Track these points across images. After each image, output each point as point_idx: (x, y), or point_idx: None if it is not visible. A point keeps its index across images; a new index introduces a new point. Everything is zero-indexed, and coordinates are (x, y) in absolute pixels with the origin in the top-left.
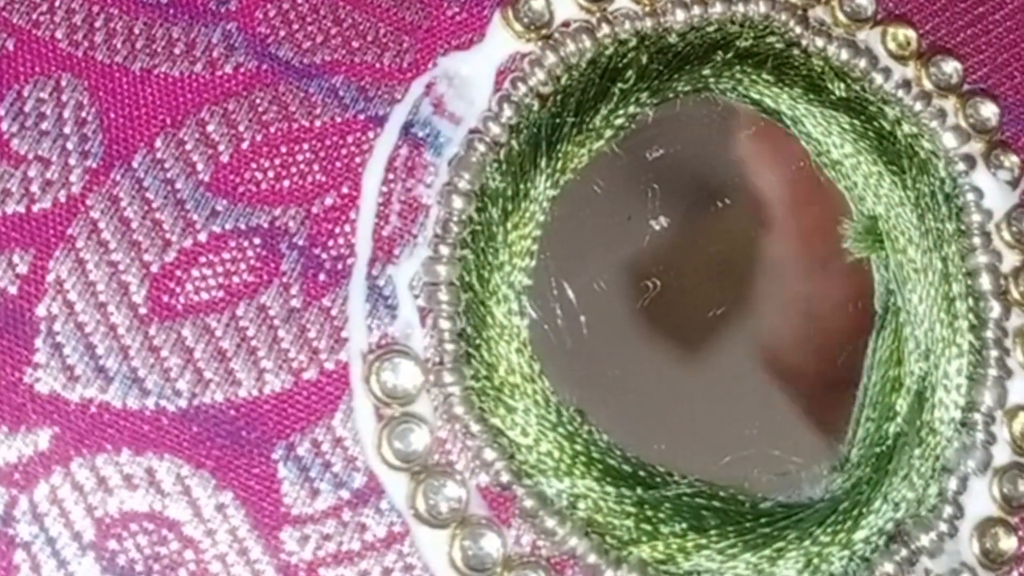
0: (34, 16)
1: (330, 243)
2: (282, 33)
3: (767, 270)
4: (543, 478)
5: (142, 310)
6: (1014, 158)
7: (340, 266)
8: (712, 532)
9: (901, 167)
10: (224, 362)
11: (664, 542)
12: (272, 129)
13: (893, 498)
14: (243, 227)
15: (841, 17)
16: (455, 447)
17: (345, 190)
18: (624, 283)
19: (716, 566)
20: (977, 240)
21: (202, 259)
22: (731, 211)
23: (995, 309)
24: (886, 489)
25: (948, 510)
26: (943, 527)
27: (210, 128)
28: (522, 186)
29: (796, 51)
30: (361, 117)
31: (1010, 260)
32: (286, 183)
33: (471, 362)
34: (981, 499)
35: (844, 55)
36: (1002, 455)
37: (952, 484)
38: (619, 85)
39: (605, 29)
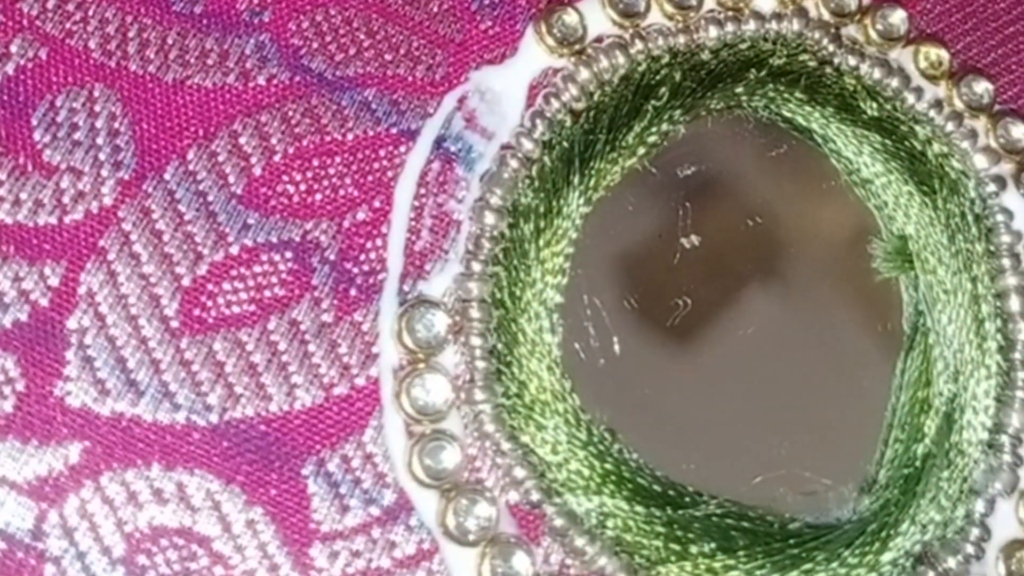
0: (67, 26)
1: (361, 258)
2: (315, 45)
3: (798, 289)
4: (572, 496)
5: (173, 323)
6: None
7: (371, 281)
8: (741, 553)
9: (932, 187)
10: (255, 377)
11: (693, 562)
12: (304, 142)
13: (921, 520)
14: (275, 240)
15: (874, 36)
16: (485, 465)
17: (377, 204)
18: (655, 301)
19: None
20: (1006, 261)
21: (234, 272)
22: (762, 229)
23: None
24: (914, 511)
25: (975, 532)
26: (970, 549)
27: (242, 140)
28: (554, 203)
29: (829, 69)
30: (393, 131)
31: None
32: (318, 196)
33: (502, 379)
34: (1007, 521)
35: (877, 74)
36: None
37: (979, 506)
38: (652, 102)
39: (638, 45)
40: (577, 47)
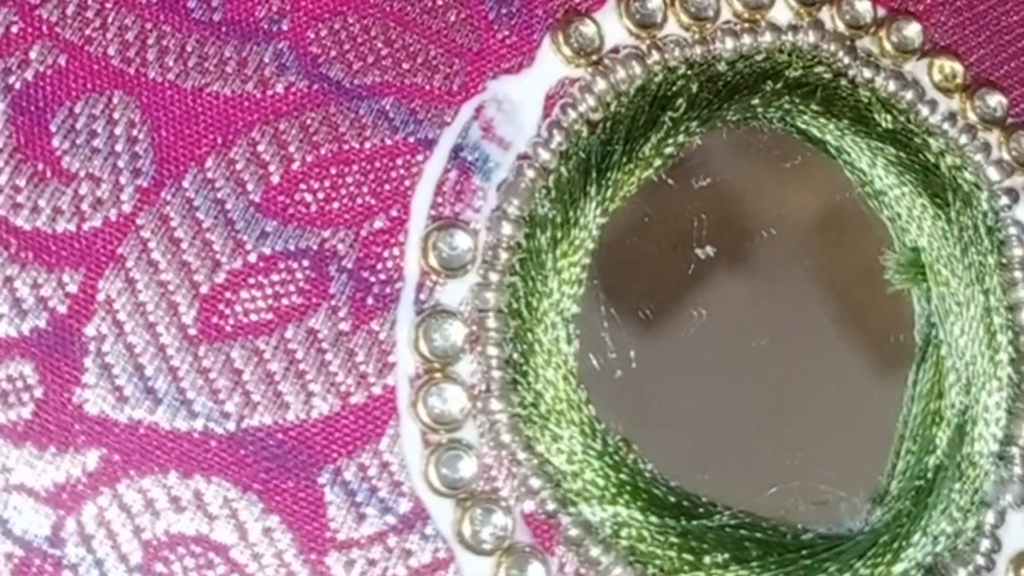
0: (87, 32)
1: (378, 266)
2: (333, 53)
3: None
4: (587, 506)
5: (191, 331)
6: None
7: (388, 290)
8: (754, 563)
9: (945, 200)
10: (272, 385)
11: (706, 572)
12: (322, 150)
13: (932, 531)
14: (292, 249)
15: (889, 48)
16: (501, 474)
17: (394, 213)
18: (671, 312)
19: None
20: (1019, 274)
21: (251, 281)
22: (776, 240)
23: None
24: (926, 522)
25: (985, 544)
26: (980, 561)
27: (261, 148)
28: (571, 213)
29: (844, 81)
30: (411, 140)
31: None
32: (335, 205)
33: (518, 389)
34: (1018, 533)
35: (891, 86)
36: None
37: (990, 518)
38: (669, 113)
39: (655, 56)
40: (594, 57)
